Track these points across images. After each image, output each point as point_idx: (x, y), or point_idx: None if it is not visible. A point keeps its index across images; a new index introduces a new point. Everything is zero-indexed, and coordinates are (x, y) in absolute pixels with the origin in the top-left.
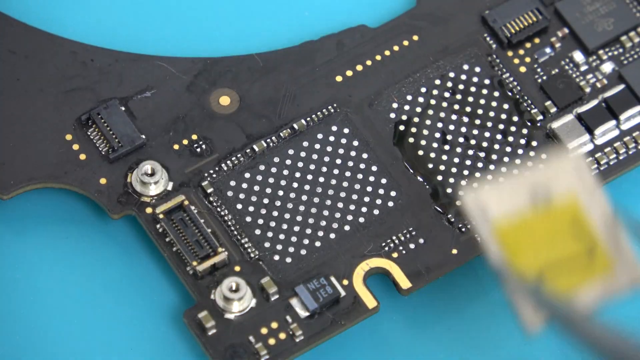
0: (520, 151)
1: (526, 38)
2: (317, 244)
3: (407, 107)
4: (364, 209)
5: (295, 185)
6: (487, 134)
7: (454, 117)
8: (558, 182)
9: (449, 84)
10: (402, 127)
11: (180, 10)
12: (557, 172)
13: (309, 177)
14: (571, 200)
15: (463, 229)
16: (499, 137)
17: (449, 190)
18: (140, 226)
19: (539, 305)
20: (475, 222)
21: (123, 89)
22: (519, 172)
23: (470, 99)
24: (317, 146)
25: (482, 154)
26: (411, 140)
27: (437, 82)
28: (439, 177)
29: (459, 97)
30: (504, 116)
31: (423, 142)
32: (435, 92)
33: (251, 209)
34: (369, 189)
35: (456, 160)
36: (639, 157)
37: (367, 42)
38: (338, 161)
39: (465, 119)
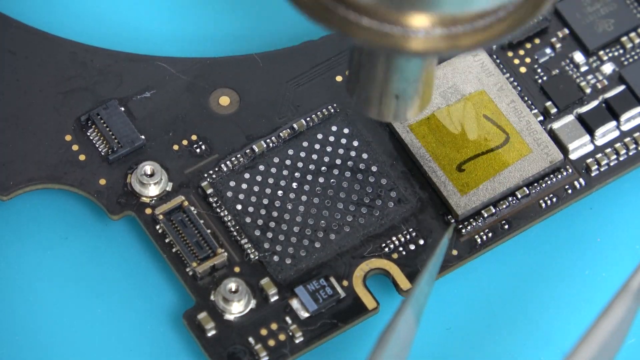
0: None
1: (526, 38)
2: (317, 244)
3: None
4: (363, 210)
5: (294, 185)
6: None
7: None
8: (466, 82)
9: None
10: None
11: (180, 10)
12: (464, 73)
13: (309, 177)
14: (481, 96)
15: (463, 230)
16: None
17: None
18: (139, 227)
19: None
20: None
21: (122, 89)
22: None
23: None
24: (317, 146)
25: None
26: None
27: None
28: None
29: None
30: None
31: None
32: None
33: (251, 209)
34: (369, 189)
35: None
36: (639, 158)
37: None
38: (338, 161)
39: None
